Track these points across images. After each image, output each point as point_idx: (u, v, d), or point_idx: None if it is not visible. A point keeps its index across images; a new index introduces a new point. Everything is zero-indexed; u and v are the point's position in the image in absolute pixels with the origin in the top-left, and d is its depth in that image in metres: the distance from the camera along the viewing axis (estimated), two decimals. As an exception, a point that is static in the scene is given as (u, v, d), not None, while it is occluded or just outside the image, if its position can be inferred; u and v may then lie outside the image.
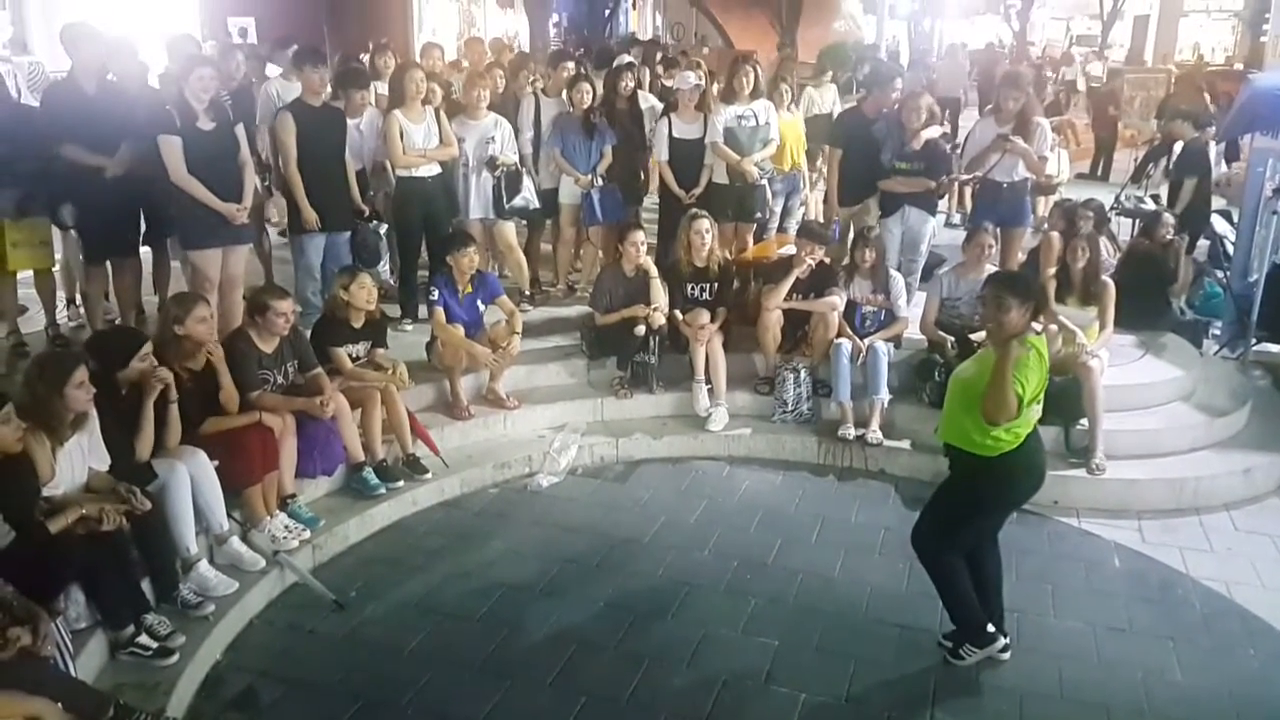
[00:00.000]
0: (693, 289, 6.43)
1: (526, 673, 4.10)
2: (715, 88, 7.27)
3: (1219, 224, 8.57)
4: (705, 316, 6.26)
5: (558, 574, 4.84)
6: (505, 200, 6.85)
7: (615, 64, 7.86)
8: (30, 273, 6.15)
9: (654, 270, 6.35)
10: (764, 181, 7.18)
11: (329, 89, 6.37)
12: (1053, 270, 6.20)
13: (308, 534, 4.81)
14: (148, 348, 4.30)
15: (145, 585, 4.07)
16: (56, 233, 6.10)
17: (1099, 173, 14.52)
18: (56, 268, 6.36)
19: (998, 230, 6.37)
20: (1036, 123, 6.71)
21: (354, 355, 5.49)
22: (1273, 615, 4.58)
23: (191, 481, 4.32)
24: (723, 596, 4.68)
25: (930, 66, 14.82)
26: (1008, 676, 4.09)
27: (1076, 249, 6.02)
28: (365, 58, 9.00)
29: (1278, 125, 7.01)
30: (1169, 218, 7.40)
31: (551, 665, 4.14)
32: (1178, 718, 3.92)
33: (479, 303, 6.09)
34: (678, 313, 6.33)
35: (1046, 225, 8.32)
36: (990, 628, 4.14)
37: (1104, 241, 7.09)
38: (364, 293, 5.41)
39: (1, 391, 3.68)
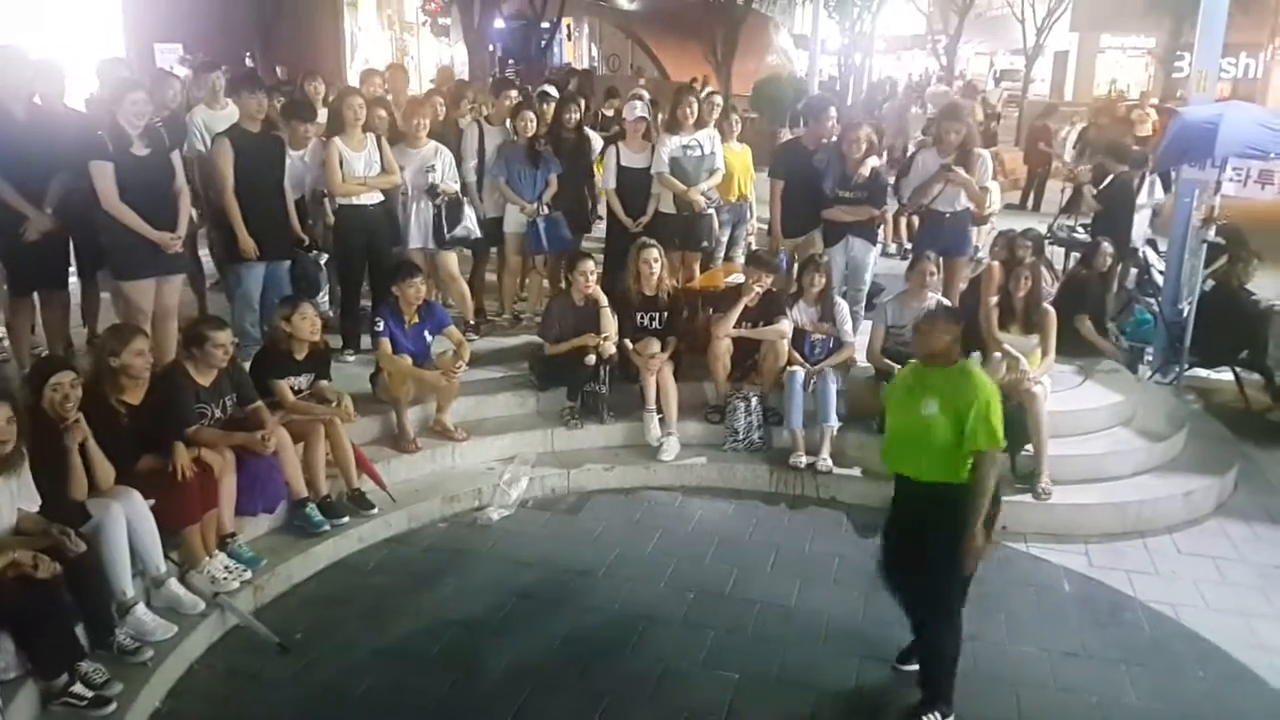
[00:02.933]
0: (642, 318, 6.40)
1: (483, 714, 3.98)
2: (660, 118, 7.28)
3: (1149, 253, 8.83)
4: (656, 345, 6.23)
5: (511, 610, 4.73)
6: (446, 230, 6.76)
7: (562, 95, 7.86)
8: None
9: (604, 299, 6.31)
10: (710, 211, 7.20)
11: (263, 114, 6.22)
12: (995, 299, 6.30)
13: (249, 574, 4.63)
14: (59, 376, 4.09)
15: (79, 631, 3.85)
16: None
17: (1029, 204, 14.93)
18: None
19: (940, 259, 6.47)
20: (978, 154, 6.85)
21: (296, 388, 5.33)
22: (1219, 637, 4.66)
23: (127, 522, 4.12)
24: (681, 629, 4.62)
25: (877, 115, 15.10)
26: (968, 705, 4.06)
27: (1020, 277, 6.12)
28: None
29: (1205, 156, 7.26)
30: (1108, 247, 7.60)
31: (509, 706, 4.02)
32: (1135, 741, 3.95)
33: (425, 333, 5.98)
34: (628, 342, 6.29)
35: (986, 255, 8.50)
36: None
37: (1043, 270, 7.24)
38: (307, 323, 5.27)
39: None
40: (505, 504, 5.68)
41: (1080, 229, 9.68)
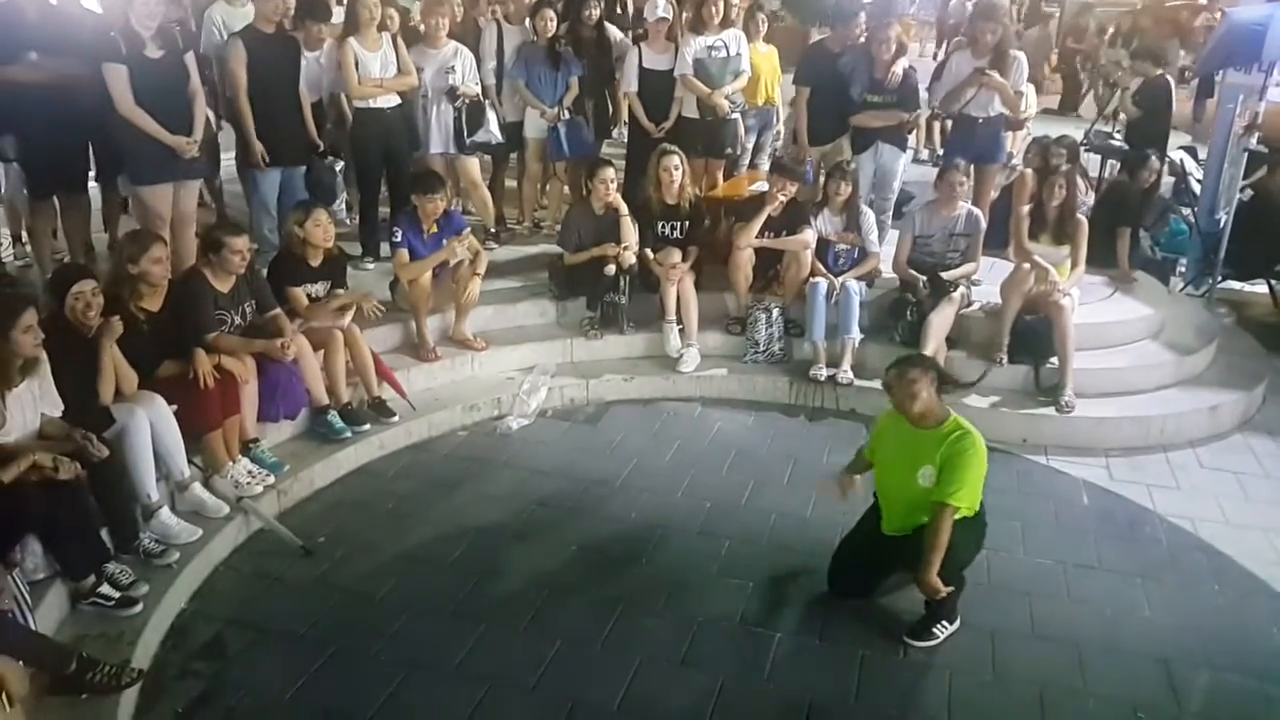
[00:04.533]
0: (663, 227, 6.30)
1: (500, 618, 4.04)
2: (684, 17, 7.04)
3: (1186, 161, 8.55)
4: (676, 255, 6.14)
5: (529, 517, 4.77)
6: (467, 134, 6.63)
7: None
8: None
9: (624, 208, 6.20)
10: (735, 115, 7.00)
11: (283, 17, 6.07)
12: (1027, 207, 6.14)
13: (272, 479, 4.68)
14: (80, 285, 4.09)
15: (105, 534, 3.92)
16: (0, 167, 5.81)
17: (1068, 108, 14.42)
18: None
19: (971, 167, 6.30)
20: (1013, 56, 6.60)
21: (312, 295, 5.31)
22: (1237, 551, 4.64)
23: (150, 426, 4.16)
24: (697, 538, 4.65)
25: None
26: (979, 613, 4.10)
27: (1054, 186, 5.95)
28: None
29: (1252, 59, 6.96)
30: (1155, 162, 7.34)
31: (525, 610, 4.09)
32: (1147, 653, 3.96)
33: (444, 241, 5.91)
34: (648, 251, 6.21)
35: (1018, 162, 8.28)
36: None
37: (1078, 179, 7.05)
38: (320, 229, 5.21)
39: None
40: (524, 413, 5.70)
41: (1117, 135, 9.38)
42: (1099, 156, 9.17)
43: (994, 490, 4.86)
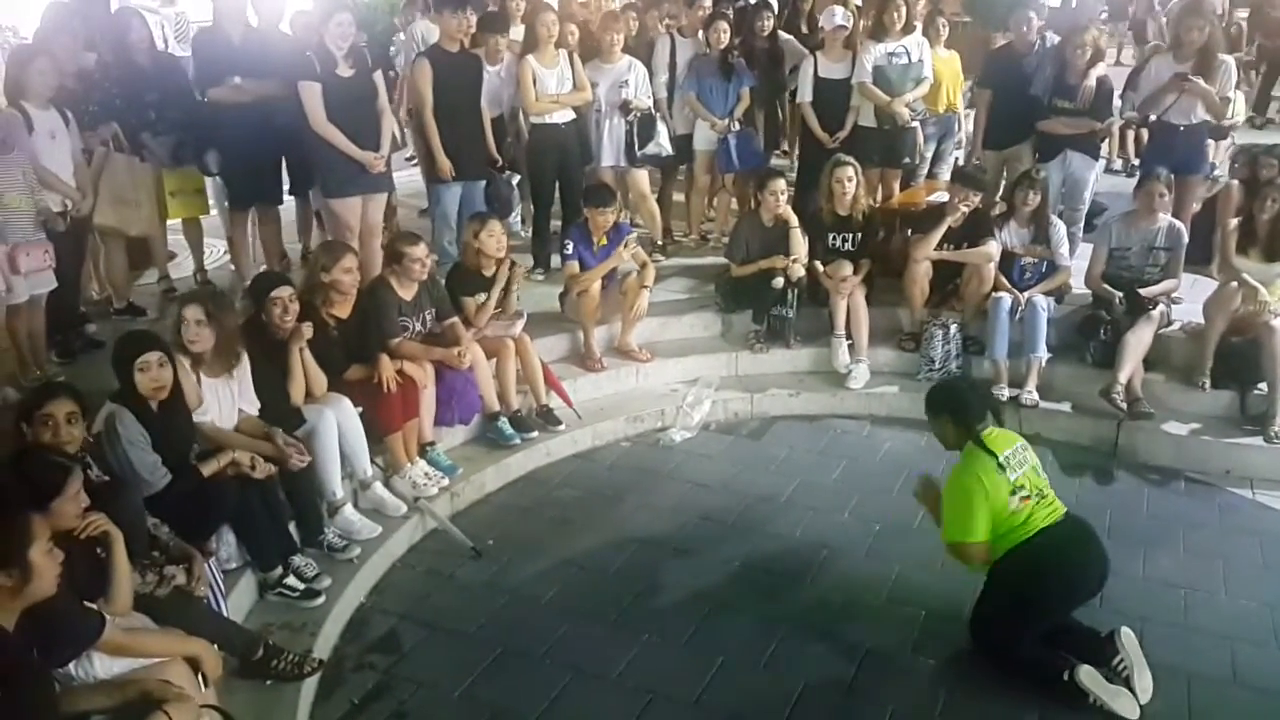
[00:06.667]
0: (834, 239, 6.16)
1: (662, 630, 4.02)
2: (863, 24, 6.88)
3: None
4: (848, 268, 5.99)
5: (692, 531, 4.74)
6: (638, 147, 6.69)
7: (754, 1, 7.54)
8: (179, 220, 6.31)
9: (794, 220, 6.09)
10: (915, 124, 6.80)
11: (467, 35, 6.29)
12: (1234, 221, 5.68)
13: (446, 481, 4.84)
14: (278, 291, 4.33)
15: (293, 528, 4.14)
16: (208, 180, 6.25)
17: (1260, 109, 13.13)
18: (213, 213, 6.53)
19: (1171, 177, 5.87)
20: (1221, 60, 6.12)
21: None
22: None
23: (338, 426, 4.37)
24: (864, 560, 4.51)
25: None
26: (1174, 658, 3.78)
27: (1266, 198, 5.47)
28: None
29: None
30: None
31: (687, 624, 4.05)
32: (1374, 713, 3.57)
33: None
34: (818, 264, 6.09)
35: (1221, 172, 7.69)
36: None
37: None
38: (494, 240, 5.33)
39: (145, 338, 3.76)
40: (688, 426, 5.68)
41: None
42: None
43: (1193, 525, 4.53)
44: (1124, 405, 5.33)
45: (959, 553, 3.77)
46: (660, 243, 7.18)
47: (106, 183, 5.49)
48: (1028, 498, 3.70)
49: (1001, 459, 3.69)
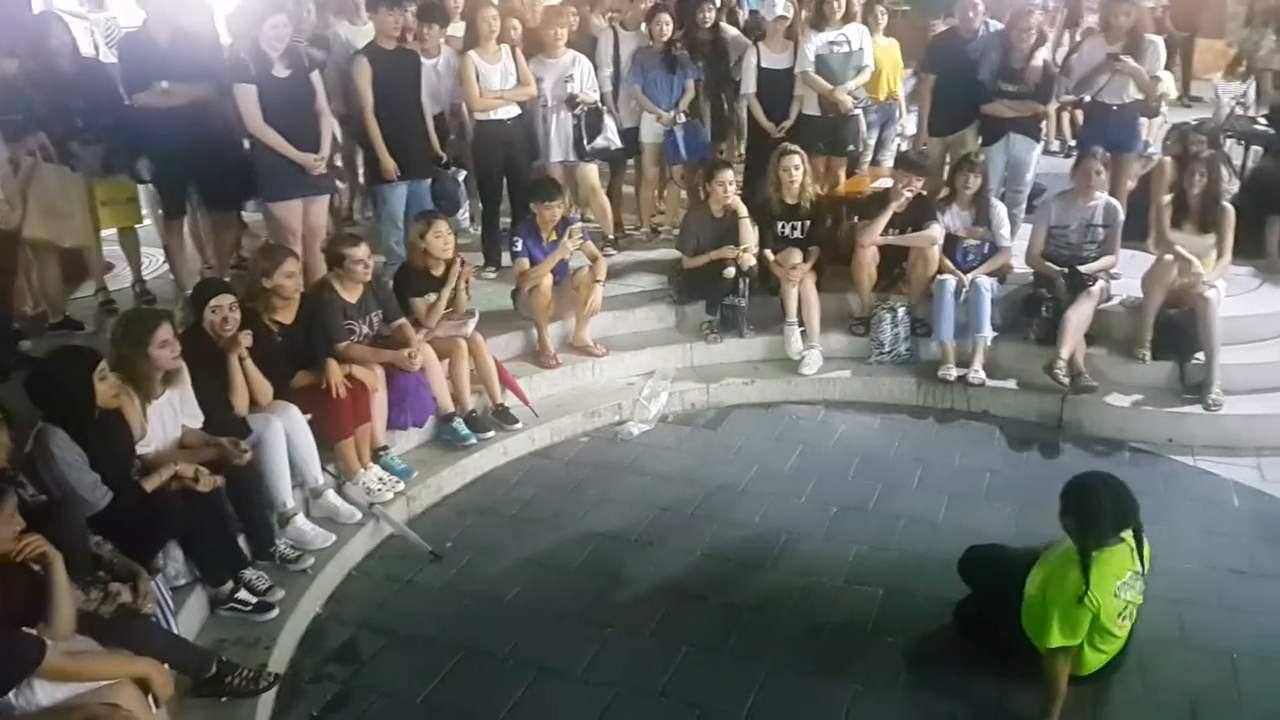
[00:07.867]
0: (783, 227, 6.19)
1: (626, 623, 4.02)
2: (804, 14, 6.92)
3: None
4: (797, 256, 6.03)
5: (653, 522, 4.74)
6: (586, 141, 6.66)
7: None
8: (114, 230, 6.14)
9: (743, 210, 6.11)
10: (858, 112, 6.85)
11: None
12: (1168, 196, 5.81)
13: (401, 485, 4.78)
14: (218, 299, 4.24)
15: (242, 541, 4.05)
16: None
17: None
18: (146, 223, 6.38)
19: (1107, 155, 5.98)
20: (1149, 40, 6.26)
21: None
22: None
23: (286, 435, 4.29)
24: (823, 543, 4.54)
25: None
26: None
27: (1194, 174, 5.60)
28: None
29: None
30: None
31: (651, 615, 4.05)
32: (1313, 665, 3.67)
33: (561, 247, 5.94)
34: (768, 253, 6.11)
35: (1155, 151, 7.85)
36: None
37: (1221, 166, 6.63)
38: (440, 241, 5.27)
39: (94, 350, 3.67)
40: (645, 419, 5.68)
41: (1261, 120, 8.77)
42: (1242, 142, 8.59)
43: (1139, 492, 4.59)
44: (1067, 380, 5.42)
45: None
46: (612, 237, 7.16)
47: (36, 194, 5.29)
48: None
49: (1086, 598, 3.30)
